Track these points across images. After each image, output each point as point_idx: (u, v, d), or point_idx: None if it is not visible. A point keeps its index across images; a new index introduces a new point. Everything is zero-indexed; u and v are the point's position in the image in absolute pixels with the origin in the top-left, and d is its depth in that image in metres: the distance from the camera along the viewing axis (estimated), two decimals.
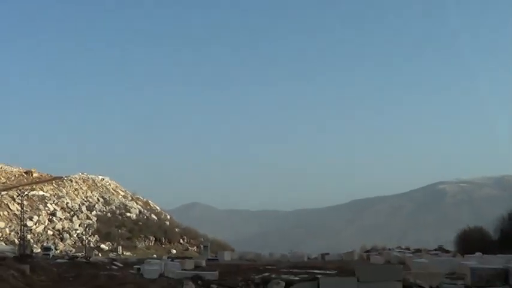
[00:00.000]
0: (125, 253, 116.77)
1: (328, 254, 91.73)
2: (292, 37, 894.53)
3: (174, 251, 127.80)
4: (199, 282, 31.52)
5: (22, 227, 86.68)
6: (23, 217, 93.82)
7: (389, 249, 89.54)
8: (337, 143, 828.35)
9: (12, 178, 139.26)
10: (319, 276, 33.21)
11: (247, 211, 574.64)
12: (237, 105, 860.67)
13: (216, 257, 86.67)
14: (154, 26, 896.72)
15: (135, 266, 56.64)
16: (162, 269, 49.49)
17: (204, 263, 66.41)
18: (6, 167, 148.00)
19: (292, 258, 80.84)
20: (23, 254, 68.23)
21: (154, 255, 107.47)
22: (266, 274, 39.70)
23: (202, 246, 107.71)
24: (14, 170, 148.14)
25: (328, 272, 46.85)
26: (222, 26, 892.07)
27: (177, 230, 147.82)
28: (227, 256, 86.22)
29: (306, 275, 37.57)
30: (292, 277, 34.18)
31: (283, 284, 30.76)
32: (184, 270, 50.66)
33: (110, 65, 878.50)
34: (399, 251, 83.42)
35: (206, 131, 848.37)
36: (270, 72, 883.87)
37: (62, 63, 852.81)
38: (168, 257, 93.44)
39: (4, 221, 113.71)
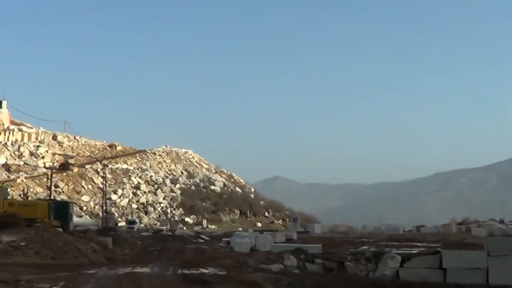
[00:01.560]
0: (209, 226, 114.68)
1: (423, 226, 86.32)
2: None
3: (260, 224, 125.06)
4: (301, 256, 27.08)
5: (105, 200, 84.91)
6: (106, 190, 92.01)
7: (492, 221, 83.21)
8: (419, 115, 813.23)
9: (96, 152, 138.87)
10: (439, 249, 28.40)
11: (328, 185, 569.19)
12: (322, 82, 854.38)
13: (306, 229, 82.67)
14: None
15: (223, 239, 53.44)
16: (253, 242, 45.92)
17: (295, 236, 62.60)
18: (90, 140, 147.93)
19: (387, 231, 75.87)
20: (106, 227, 66.01)
21: (240, 229, 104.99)
22: (366, 247, 35.47)
23: (292, 218, 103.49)
24: (98, 143, 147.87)
25: (432, 245, 42.11)
26: None
27: (261, 203, 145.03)
28: (317, 229, 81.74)
29: (416, 249, 32.84)
30: (408, 250, 29.46)
31: (399, 258, 25.98)
32: (276, 243, 47.15)
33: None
34: (501, 224, 77.21)
35: (282, 105, 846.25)
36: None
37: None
38: (254, 230, 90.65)
39: (89, 195, 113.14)
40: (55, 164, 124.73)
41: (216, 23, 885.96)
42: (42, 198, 72.21)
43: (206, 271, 21.96)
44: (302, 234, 71.05)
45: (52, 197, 68.84)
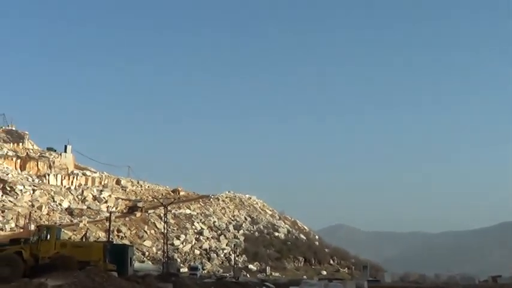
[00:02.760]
0: (273, 274, 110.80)
1: (499, 276, 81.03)
2: None
3: (325, 272, 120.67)
4: None
5: (166, 244, 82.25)
6: (167, 234, 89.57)
7: None
8: (486, 163, 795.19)
9: (159, 197, 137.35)
10: None
11: (392, 233, 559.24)
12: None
13: (375, 278, 78.29)
14: None
15: (291, 287, 50.02)
16: None
17: (365, 285, 58.80)
18: (153, 185, 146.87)
19: (462, 281, 71.14)
20: (167, 272, 62.87)
21: (305, 276, 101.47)
22: None
23: (362, 267, 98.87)
24: (161, 188, 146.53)
25: None
26: None
27: (326, 250, 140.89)
28: (387, 277, 77.67)
29: None
30: None
31: None
32: None
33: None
34: None
35: (343, 154, 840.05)
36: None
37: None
38: (319, 279, 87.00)
39: (151, 240, 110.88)
40: (119, 208, 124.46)
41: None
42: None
43: None
44: (372, 283, 67.14)
45: (112, 241, 66.18)
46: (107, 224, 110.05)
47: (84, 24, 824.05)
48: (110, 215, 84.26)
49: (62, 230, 43.39)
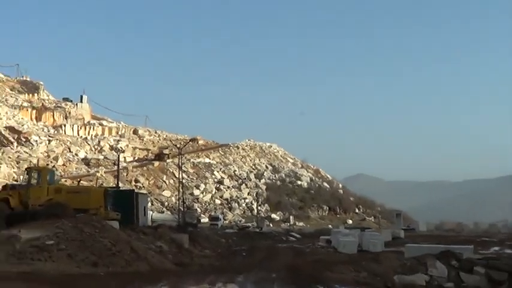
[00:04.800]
0: (297, 223, 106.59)
1: None
2: None
3: (350, 221, 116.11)
4: (453, 262, 18.50)
5: (182, 193, 78.14)
6: (182, 181, 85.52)
7: None
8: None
9: (178, 146, 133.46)
10: None
11: (413, 182, 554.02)
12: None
13: (409, 227, 73.68)
14: None
15: (321, 237, 45.52)
16: (359, 240, 37.94)
17: (402, 234, 54.24)
18: (171, 134, 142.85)
19: (503, 229, 66.40)
20: (185, 223, 58.62)
21: (330, 226, 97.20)
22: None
23: (395, 214, 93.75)
24: (180, 137, 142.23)
25: None
26: None
27: (351, 199, 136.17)
28: (422, 226, 73.08)
29: None
30: None
31: None
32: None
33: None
34: None
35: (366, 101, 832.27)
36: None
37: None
38: (345, 227, 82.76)
39: (170, 190, 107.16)
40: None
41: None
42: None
43: None
44: (407, 232, 62.74)
45: (118, 186, 61.28)
46: (125, 174, 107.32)
47: None
48: (118, 157, 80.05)
49: (57, 173, 38.61)
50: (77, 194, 31.25)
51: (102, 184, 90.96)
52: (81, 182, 54.36)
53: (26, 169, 35.84)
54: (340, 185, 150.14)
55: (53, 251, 17.91)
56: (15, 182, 40.58)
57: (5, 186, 33.45)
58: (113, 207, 30.90)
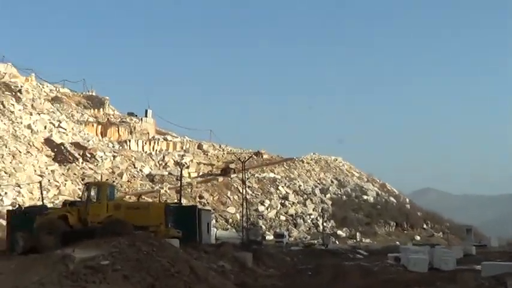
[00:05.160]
0: (363, 240, 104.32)
1: None
2: None
3: (418, 237, 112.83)
4: None
5: (246, 209, 77.29)
6: (246, 199, 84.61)
7: None
8: None
9: (242, 160, 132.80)
10: None
11: (483, 196, 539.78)
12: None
13: (481, 243, 70.80)
14: None
15: (389, 255, 43.68)
16: (429, 258, 36.13)
17: (473, 250, 51.86)
18: (235, 149, 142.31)
19: None
20: (249, 240, 57.61)
21: (397, 242, 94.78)
22: None
23: (465, 230, 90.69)
24: (243, 152, 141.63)
25: None
26: None
27: (418, 214, 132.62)
28: (494, 242, 70.04)
29: None
30: None
31: None
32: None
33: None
34: None
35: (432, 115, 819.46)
36: None
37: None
38: (413, 244, 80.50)
39: (235, 206, 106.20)
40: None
41: None
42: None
43: None
44: (479, 248, 60.19)
45: (180, 202, 60.56)
46: (189, 190, 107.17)
47: None
48: (181, 172, 79.88)
49: (121, 189, 38.06)
50: (136, 210, 30.35)
51: (166, 200, 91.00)
52: (145, 198, 54.02)
53: (84, 184, 35.40)
54: (407, 200, 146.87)
55: (107, 272, 16.89)
56: (75, 199, 40.22)
57: (64, 203, 32.99)
58: (174, 224, 30.00)
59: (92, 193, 30.32)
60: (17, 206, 64.89)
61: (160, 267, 18.12)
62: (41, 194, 63.35)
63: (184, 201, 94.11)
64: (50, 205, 55.87)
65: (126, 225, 25.82)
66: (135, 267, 17.68)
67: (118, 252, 18.56)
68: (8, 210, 47.97)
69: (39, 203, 57.79)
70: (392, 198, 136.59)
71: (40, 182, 71.26)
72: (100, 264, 17.48)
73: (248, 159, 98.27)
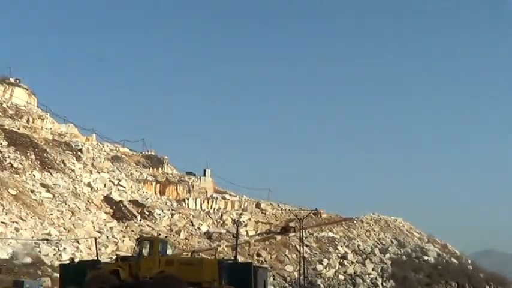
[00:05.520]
0: None
1: None
2: None
3: None
4: None
5: (304, 268, 76.50)
6: (303, 257, 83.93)
7: None
8: None
9: (300, 219, 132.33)
10: None
11: None
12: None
13: None
14: None
15: None
16: None
17: None
18: (293, 208, 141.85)
19: None
20: None
21: None
22: None
23: None
24: (302, 211, 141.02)
25: None
26: None
27: (481, 275, 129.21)
28: None
29: None
30: None
31: None
32: None
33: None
34: None
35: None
36: None
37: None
38: None
39: (292, 265, 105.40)
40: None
41: None
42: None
43: None
44: None
45: (236, 258, 60.11)
46: (247, 248, 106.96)
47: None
48: (237, 229, 79.78)
49: (169, 243, 38.09)
50: (189, 266, 30.33)
51: (223, 258, 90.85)
52: (201, 254, 54.00)
53: (137, 239, 35.56)
54: (469, 261, 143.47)
55: None
56: (127, 254, 40.43)
57: (116, 258, 33.24)
58: (228, 280, 29.78)
59: (145, 248, 30.51)
60: (70, 260, 65.57)
61: None
62: (96, 249, 64.05)
63: (241, 259, 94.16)
64: (107, 260, 56.31)
65: (179, 281, 25.83)
66: None
67: None
68: (60, 264, 47.23)
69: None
70: (453, 259, 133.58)
71: (95, 238, 72.14)
72: None
73: (307, 216, 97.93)
